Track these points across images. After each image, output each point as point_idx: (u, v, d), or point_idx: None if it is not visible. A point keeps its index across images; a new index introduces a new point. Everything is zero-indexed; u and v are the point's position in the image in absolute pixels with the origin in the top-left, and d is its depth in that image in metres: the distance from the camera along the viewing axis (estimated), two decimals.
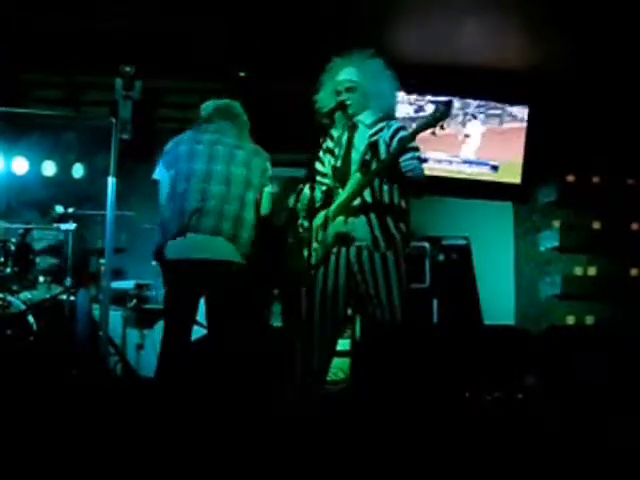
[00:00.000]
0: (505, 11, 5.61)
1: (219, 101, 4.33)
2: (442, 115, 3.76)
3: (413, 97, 6.73)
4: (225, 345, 4.03)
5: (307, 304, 3.86)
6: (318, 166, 4.10)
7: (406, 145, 3.85)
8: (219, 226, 3.99)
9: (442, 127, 3.75)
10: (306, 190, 3.87)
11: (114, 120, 4.75)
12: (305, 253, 3.94)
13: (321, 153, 4.12)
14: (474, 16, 5.67)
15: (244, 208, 4.07)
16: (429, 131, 3.78)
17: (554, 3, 5.43)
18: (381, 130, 4.00)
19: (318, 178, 4.05)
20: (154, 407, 3.90)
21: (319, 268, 3.93)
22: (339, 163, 4.03)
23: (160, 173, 4.18)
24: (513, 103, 6.96)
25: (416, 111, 6.73)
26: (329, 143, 4.10)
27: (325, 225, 3.96)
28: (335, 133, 4.10)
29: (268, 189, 4.21)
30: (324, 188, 4.04)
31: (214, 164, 4.07)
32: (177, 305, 4.05)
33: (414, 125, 3.95)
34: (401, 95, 6.44)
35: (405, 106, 6.67)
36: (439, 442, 3.68)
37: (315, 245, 3.93)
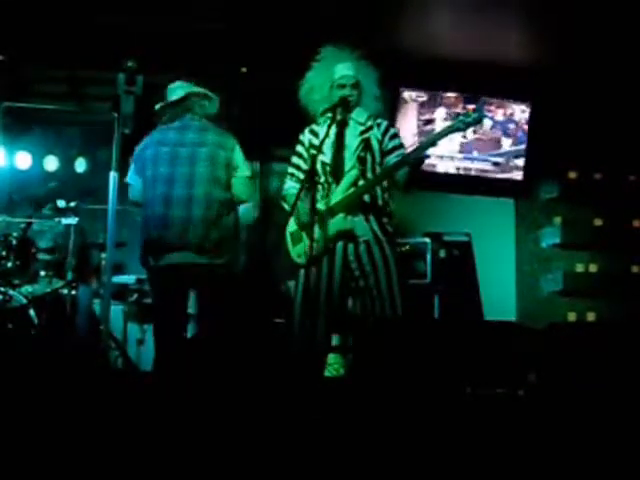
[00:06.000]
0: (507, 6, 5.61)
1: (181, 92, 4.28)
2: (474, 121, 3.75)
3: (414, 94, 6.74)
4: (209, 342, 4.08)
5: (301, 300, 3.88)
6: (299, 162, 4.07)
7: (421, 153, 3.89)
8: (186, 233, 3.99)
9: (474, 131, 3.78)
10: (300, 203, 3.80)
11: (116, 115, 4.76)
12: (298, 250, 3.94)
13: (302, 149, 4.10)
14: (475, 11, 5.66)
15: (211, 207, 4.01)
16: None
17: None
18: (371, 128, 4.01)
19: (300, 174, 4.03)
20: (154, 402, 3.92)
21: (313, 264, 3.91)
22: (328, 159, 3.99)
23: (131, 178, 4.22)
24: (515, 99, 6.97)
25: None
26: (312, 139, 4.06)
27: (320, 221, 3.90)
28: (318, 128, 4.06)
29: (241, 174, 4.13)
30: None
31: (177, 166, 4.06)
32: (160, 308, 4.15)
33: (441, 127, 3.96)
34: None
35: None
36: (439, 437, 3.68)
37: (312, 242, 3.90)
